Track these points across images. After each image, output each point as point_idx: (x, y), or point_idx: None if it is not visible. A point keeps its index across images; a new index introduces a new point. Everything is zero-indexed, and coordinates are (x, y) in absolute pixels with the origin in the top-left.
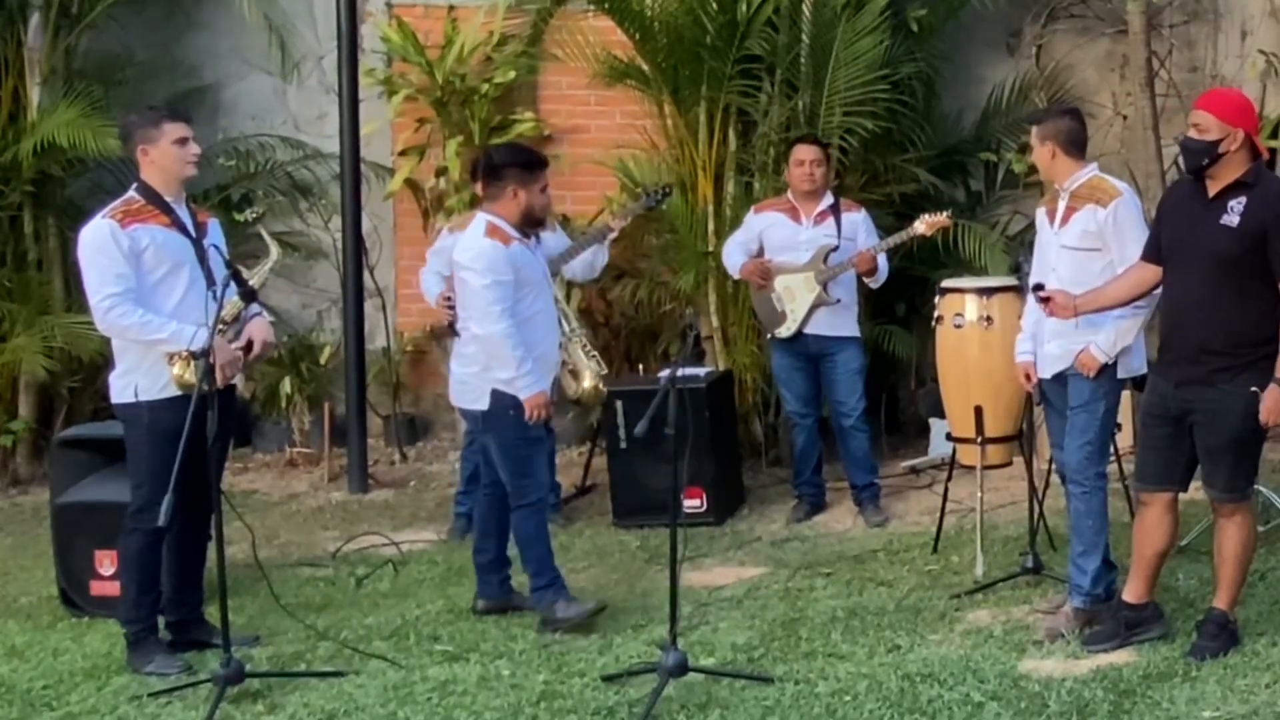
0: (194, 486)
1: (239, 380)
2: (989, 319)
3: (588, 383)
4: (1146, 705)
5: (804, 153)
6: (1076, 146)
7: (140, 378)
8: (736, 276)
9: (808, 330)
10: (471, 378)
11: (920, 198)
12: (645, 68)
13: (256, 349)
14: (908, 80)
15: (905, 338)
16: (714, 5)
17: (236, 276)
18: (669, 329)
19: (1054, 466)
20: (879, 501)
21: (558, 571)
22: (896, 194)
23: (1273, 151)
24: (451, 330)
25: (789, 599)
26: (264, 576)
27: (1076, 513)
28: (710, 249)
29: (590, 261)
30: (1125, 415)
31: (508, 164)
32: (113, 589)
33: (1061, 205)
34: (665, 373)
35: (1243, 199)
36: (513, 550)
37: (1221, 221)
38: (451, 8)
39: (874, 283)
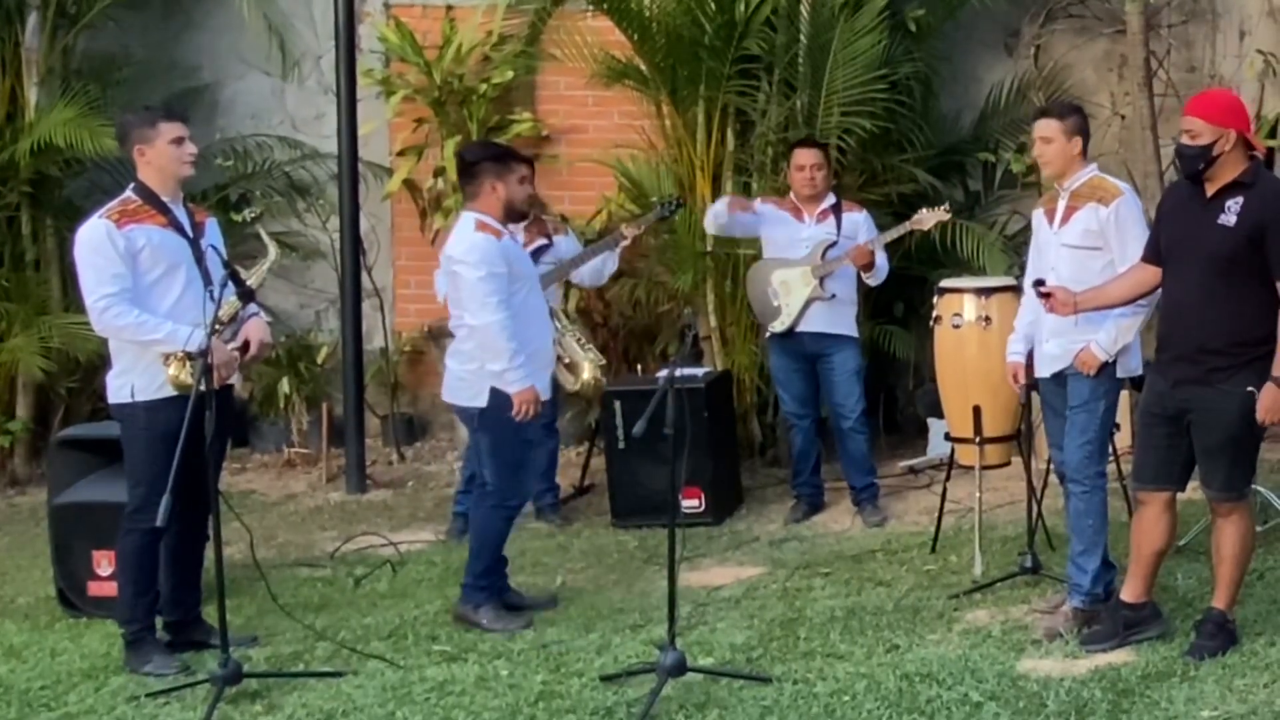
0: (192, 487)
1: (237, 380)
2: (987, 319)
3: (586, 374)
4: (1145, 705)
5: (804, 157)
6: (1086, 145)
7: (136, 378)
8: (720, 209)
9: (804, 328)
10: (469, 375)
11: (918, 198)
12: (643, 68)
13: (253, 349)
14: (906, 80)
15: (904, 338)
16: (712, 5)
17: (234, 276)
18: (667, 329)
19: (1052, 466)
20: (877, 501)
21: (501, 580)
22: (895, 194)
23: (1271, 151)
24: (450, 330)
25: (787, 599)
26: (262, 577)
27: (1076, 512)
28: (708, 249)
29: (599, 268)
30: (1124, 415)
31: (480, 159)
32: (110, 589)
33: (1061, 204)
34: (663, 373)
35: (1240, 199)
36: (511, 550)
37: (1219, 221)
38: (449, 8)
39: (873, 280)
